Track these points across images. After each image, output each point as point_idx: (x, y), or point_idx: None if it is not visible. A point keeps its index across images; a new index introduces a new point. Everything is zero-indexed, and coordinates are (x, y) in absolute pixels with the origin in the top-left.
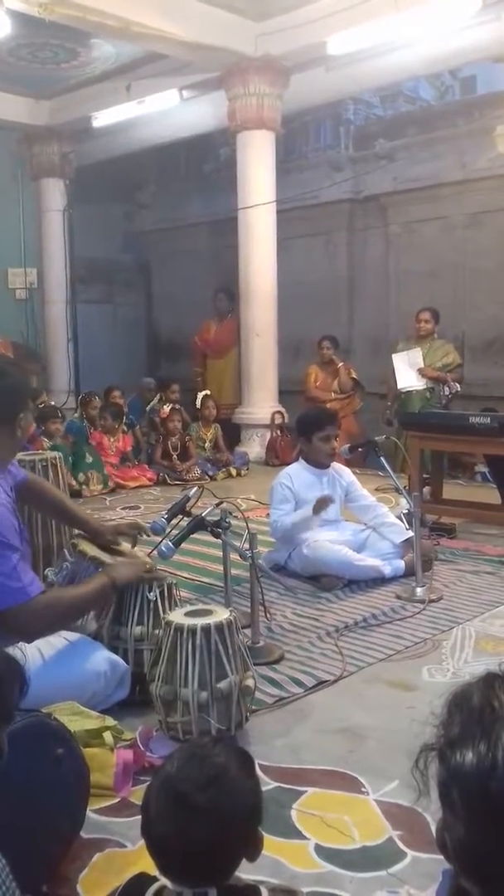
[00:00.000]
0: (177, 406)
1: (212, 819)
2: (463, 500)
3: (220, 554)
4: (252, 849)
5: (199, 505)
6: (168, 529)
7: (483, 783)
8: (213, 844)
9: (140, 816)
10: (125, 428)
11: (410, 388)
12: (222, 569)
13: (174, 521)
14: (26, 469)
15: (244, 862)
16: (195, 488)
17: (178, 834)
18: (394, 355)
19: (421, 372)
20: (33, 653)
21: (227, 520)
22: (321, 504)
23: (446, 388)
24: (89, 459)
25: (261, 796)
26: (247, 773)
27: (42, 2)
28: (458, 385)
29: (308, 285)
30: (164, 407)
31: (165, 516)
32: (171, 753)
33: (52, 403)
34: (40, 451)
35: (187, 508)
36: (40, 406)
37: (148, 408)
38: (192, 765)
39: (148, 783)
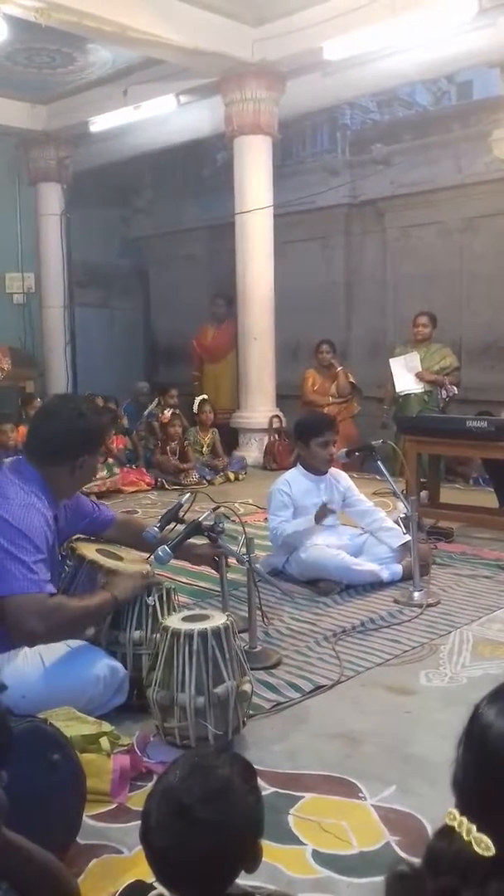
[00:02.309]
0: (177, 411)
1: (213, 832)
2: (460, 504)
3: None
4: (251, 861)
5: (197, 509)
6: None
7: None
8: (214, 857)
9: (137, 823)
10: (121, 434)
11: (408, 392)
12: (225, 575)
13: (167, 528)
14: None
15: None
16: (188, 494)
17: (179, 846)
18: (391, 359)
19: (419, 376)
20: (34, 658)
21: (221, 524)
22: (322, 513)
23: (444, 392)
24: None
25: (262, 810)
26: (250, 787)
27: (39, 7)
28: (455, 388)
29: (305, 290)
30: (165, 412)
31: (158, 524)
32: (173, 762)
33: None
34: None
35: (180, 515)
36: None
37: (146, 412)
38: (196, 777)
39: (149, 791)
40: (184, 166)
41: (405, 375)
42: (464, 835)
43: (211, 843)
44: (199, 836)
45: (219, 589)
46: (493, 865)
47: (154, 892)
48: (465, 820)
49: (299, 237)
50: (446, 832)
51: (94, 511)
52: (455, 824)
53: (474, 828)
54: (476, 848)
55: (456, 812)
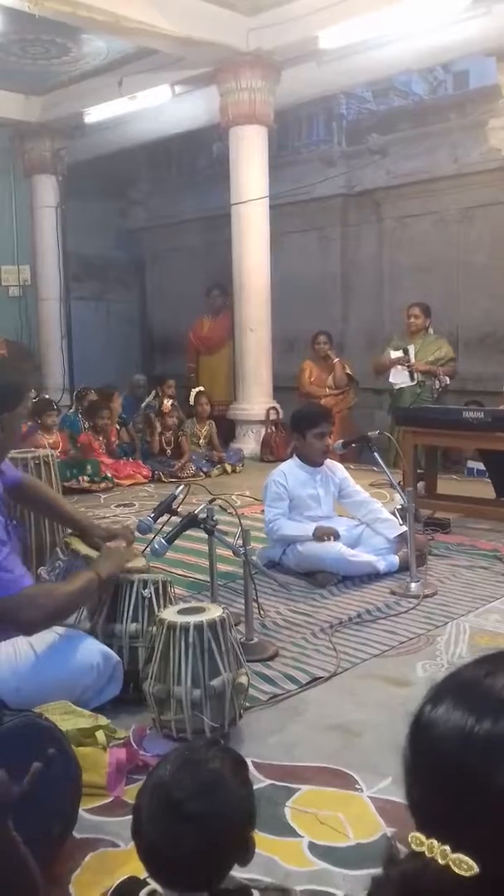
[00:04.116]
0: (175, 402)
1: (205, 827)
2: (457, 495)
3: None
4: (244, 854)
5: (194, 501)
6: (160, 528)
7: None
8: (206, 851)
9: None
10: (118, 426)
11: (401, 385)
12: (216, 566)
13: (161, 520)
14: (19, 467)
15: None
16: (181, 486)
17: (171, 841)
18: (391, 351)
19: (412, 368)
20: (25, 649)
21: (214, 518)
22: (323, 534)
23: (437, 382)
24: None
25: (254, 802)
26: (241, 780)
27: None
28: (448, 379)
29: (302, 281)
30: (165, 401)
31: (152, 515)
32: (164, 756)
33: (47, 396)
34: (33, 449)
35: (174, 507)
36: (34, 399)
37: (143, 404)
38: (187, 771)
39: (140, 786)
40: (179, 157)
41: (399, 368)
42: (439, 859)
43: (203, 837)
44: (191, 831)
45: (220, 582)
46: (478, 884)
47: (147, 888)
48: (435, 843)
49: (295, 228)
50: (417, 855)
51: None
52: (425, 850)
53: (448, 849)
54: (457, 870)
55: (422, 837)
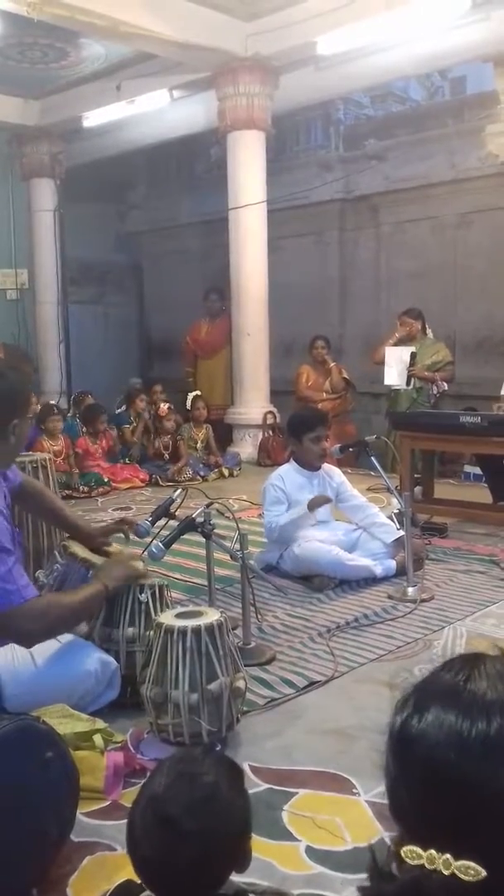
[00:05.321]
0: (171, 406)
1: (201, 841)
2: (454, 500)
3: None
4: (242, 862)
5: (191, 506)
6: (158, 531)
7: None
8: (202, 865)
9: None
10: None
11: (396, 387)
12: (213, 570)
13: (159, 524)
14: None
15: None
16: (179, 490)
17: (166, 856)
18: (387, 348)
19: (412, 373)
20: (24, 655)
21: (211, 522)
22: (317, 502)
23: (435, 388)
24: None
25: (250, 811)
26: (237, 791)
27: (30, 1)
28: (445, 385)
29: (299, 285)
30: (162, 405)
31: (150, 519)
32: (157, 767)
33: (51, 402)
34: (31, 453)
35: (171, 511)
36: (37, 406)
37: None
38: (181, 784)
39: (133, 800)
40: (178, 162)
41: (394, 369)
42: (442, 869)
43: (198, 852)
44: (186, 846)
45: (218, 586)
46: (484, 889)
47: (145, 893)
48: (434, 853)
49: (293, 232)
50: (413, 869)
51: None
52: (424, 863)
53: (450, 857)
54: (463, 877)
55: (417, 849)
